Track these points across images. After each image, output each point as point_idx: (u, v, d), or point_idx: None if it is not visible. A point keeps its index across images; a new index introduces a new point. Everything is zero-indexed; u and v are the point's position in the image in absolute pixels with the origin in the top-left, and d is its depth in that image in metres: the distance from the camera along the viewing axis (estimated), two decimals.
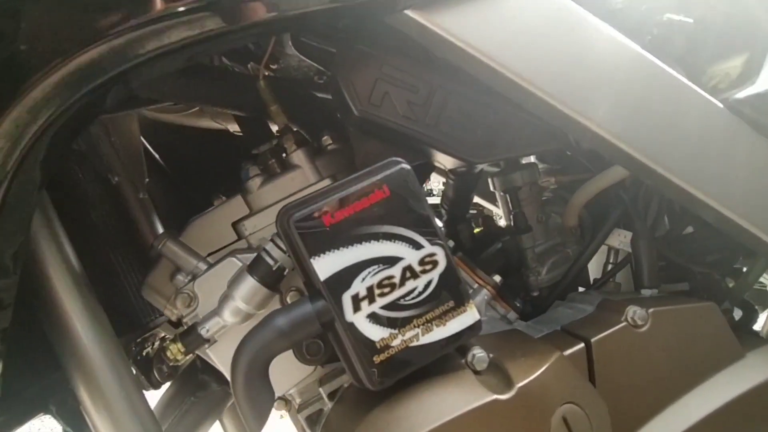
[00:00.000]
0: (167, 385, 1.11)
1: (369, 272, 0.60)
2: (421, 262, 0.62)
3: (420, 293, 0.62)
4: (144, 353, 0.97)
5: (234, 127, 1.11)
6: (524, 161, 1.05)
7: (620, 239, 0.97)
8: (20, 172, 0.52)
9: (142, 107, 0.97)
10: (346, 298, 0.60)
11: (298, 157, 0.81)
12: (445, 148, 0.75)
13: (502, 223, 1.13)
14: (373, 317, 0.61)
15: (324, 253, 0.59)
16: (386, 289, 0.61)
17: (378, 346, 0.61)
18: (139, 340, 1.00)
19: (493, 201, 1.40)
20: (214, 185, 0.94)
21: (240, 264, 0.75)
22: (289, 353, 0.75)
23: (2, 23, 0.51)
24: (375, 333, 0.61)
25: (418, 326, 0.62)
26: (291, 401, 0.81)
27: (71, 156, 0.87)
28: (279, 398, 0.80)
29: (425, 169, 0.90)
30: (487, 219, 1.06)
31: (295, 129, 0.86)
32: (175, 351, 0.74)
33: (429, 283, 0.62)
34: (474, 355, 0.67)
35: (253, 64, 0.99)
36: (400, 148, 0.76)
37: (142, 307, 0.95)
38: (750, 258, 0.93)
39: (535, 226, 1.00)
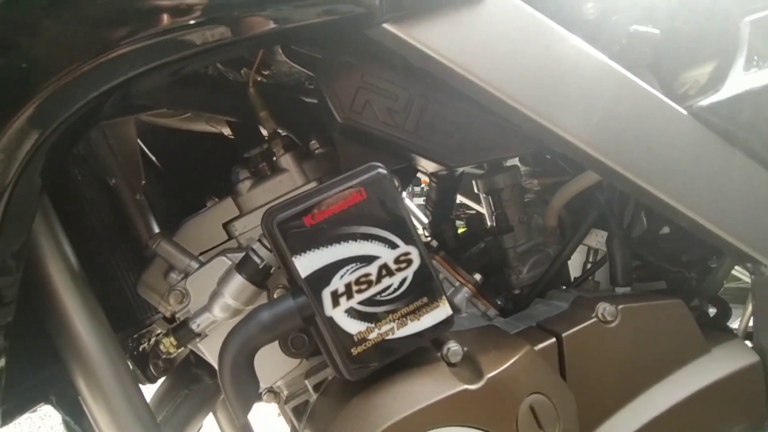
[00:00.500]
0: (162, 379, 1.15)
1: (347, 270, 0.64)
2: (397, 261, 0.66)
3: (395, 290, 0.66)
4: (140, 349, 1.00)
5: (228, 131, 1.14)
6: (507, 164, 1.08)
7: (597, 239, 1.01)
8: (22, 180, 0.54)
9: (138, 113, 1.00)
10: (326, 294, 0.64)
11: (286, 161, 0.84)
12: (424, 153, 0.78)
13: None
14: (351, 312, 0.64)
15: (305, 252, 0.63)
16: (363, 286, 0.65)
17: (356, 339, 0.64)
18: (135, 336, 1.03)
19: (478, 202, 1.43)
20: (209, 186, 0.97)
21: (229, 263, 0.79)
22: (276, 347, 0.80)
23: (5, 37, 0.53)
24: (353, 327, 0.64)
25: (394, 321, 0.66)
26: (279, 393, 0.85)
27: (71, 160, 0.90)
28: (268, 390, 0.84)
29: (407, 172, 0.94)
30: (472, 219, 1.09)
31: (284, 133, 0.89)
32: (168, 344, 0.78)
33: (404, 280, 0.66)
34: (449, 349, 0.71)
35: (246, 69, 1.02)
36: (382, 153, 0.79)
37: (138, 305, 0.98)
38: (721, 257, 0.97)
39: (517, 227, 1.03)
